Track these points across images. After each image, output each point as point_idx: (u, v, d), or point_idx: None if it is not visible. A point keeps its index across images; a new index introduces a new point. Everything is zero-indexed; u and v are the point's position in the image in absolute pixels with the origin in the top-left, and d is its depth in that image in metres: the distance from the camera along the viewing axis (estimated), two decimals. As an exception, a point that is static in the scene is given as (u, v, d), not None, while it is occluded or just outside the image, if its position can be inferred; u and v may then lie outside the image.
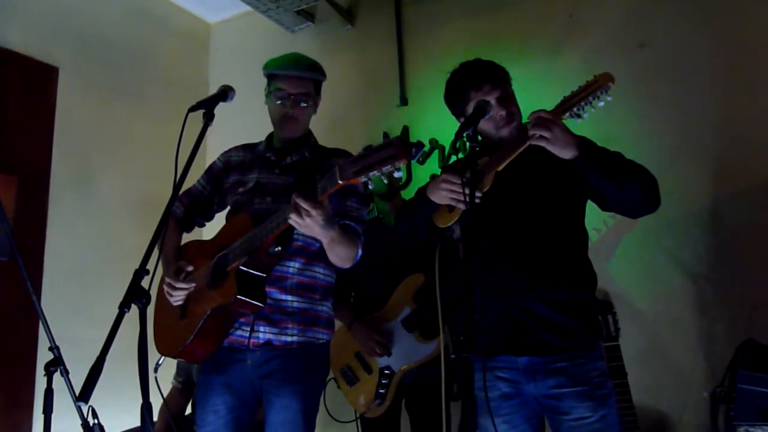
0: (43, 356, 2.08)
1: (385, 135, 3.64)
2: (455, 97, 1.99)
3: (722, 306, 2.71)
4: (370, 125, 3.72)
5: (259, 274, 1.93)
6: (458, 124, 1.87)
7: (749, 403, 2.10)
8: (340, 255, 1.96)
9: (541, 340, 1.83)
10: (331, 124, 3.48)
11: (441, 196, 1.82)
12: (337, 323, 2.37)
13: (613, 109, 1.88)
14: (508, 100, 1.93)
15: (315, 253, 2.06)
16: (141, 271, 1.55)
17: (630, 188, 1.79)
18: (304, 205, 1.70)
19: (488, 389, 1.82)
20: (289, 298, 2.02)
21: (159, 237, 1.63)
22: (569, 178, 1.86)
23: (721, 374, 2.45)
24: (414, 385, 2.71)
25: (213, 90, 1.93)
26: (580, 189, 1.90)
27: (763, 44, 2.77)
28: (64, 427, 1.77)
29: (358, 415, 2.76)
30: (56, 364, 1.64)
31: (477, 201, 1.68)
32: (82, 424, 1.59)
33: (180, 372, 2.91)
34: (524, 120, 1.90)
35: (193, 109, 1.83)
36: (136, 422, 2.82)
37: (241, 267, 1.89)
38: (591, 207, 1.98)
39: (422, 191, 1.94)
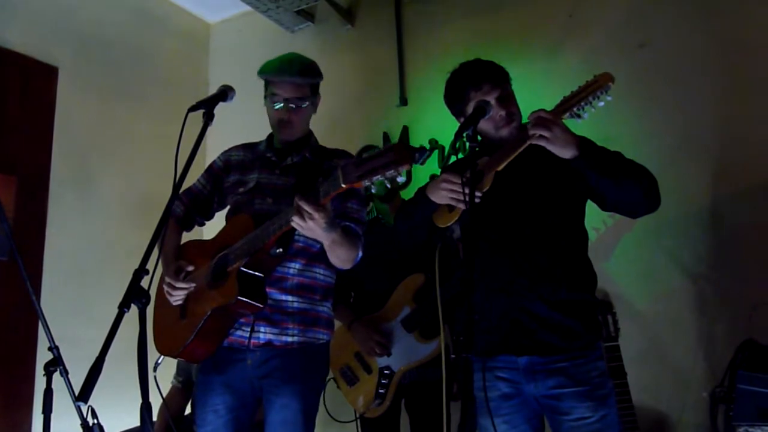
0: (43, 356, 2.07)
1: (385, 135, 3.64)
2: (455, 97, 1.99)
3: (722, 306, 2.71)
4: (370, 125, 3.71)
5: (260, 275, 1.93)
6: (458, 124, 1.86)
7: (749, 403, 2.10)
8: (341, 257, 1.96)
9: (541, 340, 1.83)
10: (331, 124, 3.47)
11: (441, 196, 1.82)
12: (337, 323, 2.37)
13: (613, 109, 1.88)
14: (507, 100, 1.93)
15: (315, 254, 2.06)
16: (140, 271, 1.55)
17: (630, 188, 1.79)
18: (306, 207, 1.70)
19: (488, 389, 1.82)
20: (290, 298, 2.02)
21: (159, 236, 1.63)
22: (569, 178, 1.86)
23: (720, 374, 2.45)
24: (414, 385, 2.71)
25: (213, 90, 1.93)
26: (580, 189, 1.90)
27: (763, 44, 2.77)
28: (64, 427, 1.77)
29: (357, 415, 2.76)
30: (56, 364, 1.64)
31: (477, 201, 1.68)
32: (81, 424, 1.59)
33: (180, 372, 2.91)
34: (524, 120, 1.90)
35: (192, 109, 1.83)
36: (136, 422, 2.82)
37: (242, 268, 1.89)
38: (590, 206, 1.98)
39: (422, 191, 1.93)
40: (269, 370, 2.00)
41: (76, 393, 1.42)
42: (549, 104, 1.81)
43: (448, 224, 1.91)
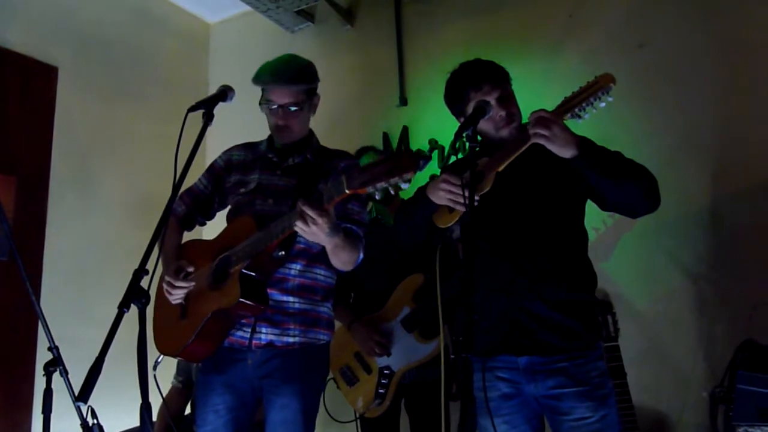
0: (43, 356, 2.08)
1: (385, 135, 3.65)
2: (455, 97, 1.99)
3: (722, 306, 2.71)
4: (370, 125, 3.72)
5: (261, 277, 1.93)
6: (458, 125, 1.86)
7: (748, 403, 2.10)
8: (343, 259, 1.97)
9: (541, 340, 1.83)
10: (331, 125, 3.47)
11: (440, 197, 1.82)
12: (336, 323, 2.37)
13: (613, 109, 1.88)
14: (508, 100, 1.93)
15: (316, 255, 2.06)
16: (140, 271, 1.55)
17: (630, 188, 1.79)
18: (310, 213, 1.71)
19: (488, 389, 1.82)
20: (291, 299, 2.02)
21: (159, 236, 1.63)
22: (569, 178, 1.86)
23: (720, 374, 2.45)
24: (413, 385, 2.71)
25: (213, 90, 1.93)
26: (580, 189, 1.90)
27: (763, 44, 2.77)
28: (64, 427, 1.77)
29: (357, 416, 2.76)
30: (55, 364, 1.64)
31: (476, 203, 1.67)
32: (81, 425, 1.59)
33: (180, 371, 2.91)
34: (524, 120, 1.90)
35: (192, 109, 1.83)
36: (136, 422, 2.82)
37: (244, 270, 1.89)
38: (590, 206, 1.98)
39: (422, 191, 1.93)
40: (270, 370, 2.00)
41: (76, 393, 1.42)
42: (549, 104, 1.80)
43: (449, 225, 1.90)
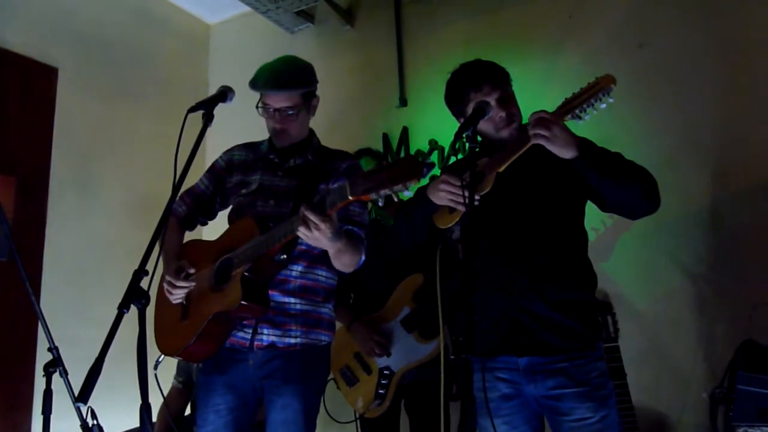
0: (42, 357, 2.08)
1: (385, 136, 3.65)
2: (455, 97, 1.98)
3: (722, 306, 2.71)
4: (370, 126, 3.71)
5: (263, 280, 1.94)
6: (458, 125, 1.86)
7: (748, 404, 2.10)
8: (344, 262, 1.97)
9: (541, 341, 1.83)
10: (331, 125, 3.47)
11: (440, 198, 1.82)
12: (336, 324, 2.37)
13: (613, 110, 1.88)
14: (508, 101, 1.93)
15: (317, 257, 2.06)
16: (140, 272, 1.55)
17: (630, 189, 1.79)
18: (313, 218, 1.71)
19: (488, 390, 1.81)
20: (292, 300, 2.02)
21: (159, 237, 1.63)
22: (569, 179, 1.86)
23: (720, 375, 2.45)
24: (413, 386, 2.71)
25: (213, 90, 1.93)
26: (580, 189, 1.89)
27: (763, 44, 2.77)
28: (63, 427, 1.77)
29: (357, 416, 2.76)
30: (55, 364, 1.64)
31: (476, 203, 1.67)
32: (81, 425, 1.59)
33: (180, 372, 2.91)
34: (524, 121, 1.89)
35: (192, 109, 1.83)
36: (136, 423, 2.82)
37: (246, 273, 1.90)
38: (590, 207, 1.98)
39: (422, 191, 1.93)
40: (271, 370, 2.00)
41: (76, 394, 1.42)
42: (549, 105, 1.80)
43: (449, 225, 1.90)
